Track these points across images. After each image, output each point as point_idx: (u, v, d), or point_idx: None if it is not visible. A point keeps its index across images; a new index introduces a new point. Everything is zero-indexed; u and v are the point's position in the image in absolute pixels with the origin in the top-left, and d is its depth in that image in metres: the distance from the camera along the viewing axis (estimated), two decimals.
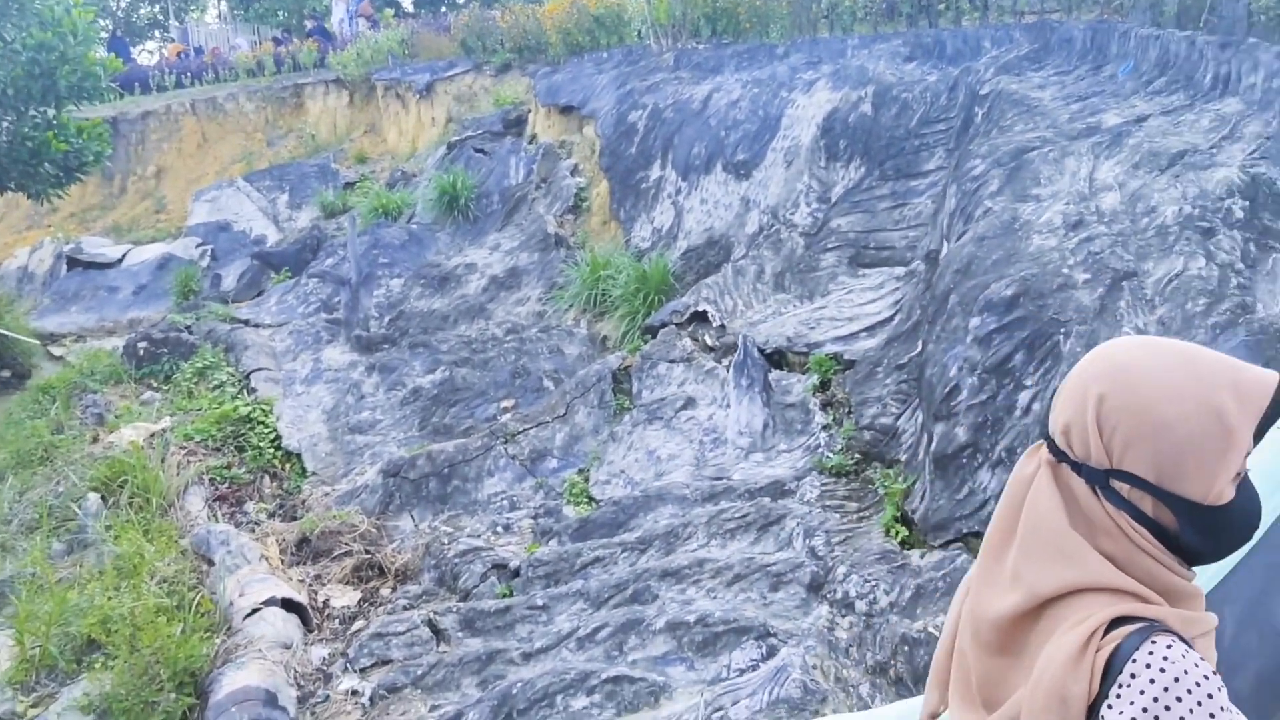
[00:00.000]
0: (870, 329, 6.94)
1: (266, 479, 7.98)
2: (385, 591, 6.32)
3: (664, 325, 8.22)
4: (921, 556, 4.98)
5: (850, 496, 5.84)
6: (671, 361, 7.71)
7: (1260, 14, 6.54)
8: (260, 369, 9.68)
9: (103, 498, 7.05)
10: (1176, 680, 1.11)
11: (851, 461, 6.09)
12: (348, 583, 6.42)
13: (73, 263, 13.88)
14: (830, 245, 7.98)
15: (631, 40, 13.19)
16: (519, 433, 7.62)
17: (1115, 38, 7.56)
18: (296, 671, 5.33)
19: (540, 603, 5.54)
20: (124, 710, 4.76)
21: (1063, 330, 4.95)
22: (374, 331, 10.21)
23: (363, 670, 5.36)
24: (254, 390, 9.32)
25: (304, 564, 6.63)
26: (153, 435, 8.02)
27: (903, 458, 5.87)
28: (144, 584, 5.71)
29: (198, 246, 13.99)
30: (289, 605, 5.83)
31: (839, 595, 4.95)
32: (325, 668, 5.48)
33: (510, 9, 15.25)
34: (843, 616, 4.84)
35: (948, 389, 5.32)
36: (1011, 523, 1.33)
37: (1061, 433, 1.28)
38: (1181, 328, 4.70)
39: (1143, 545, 1.23)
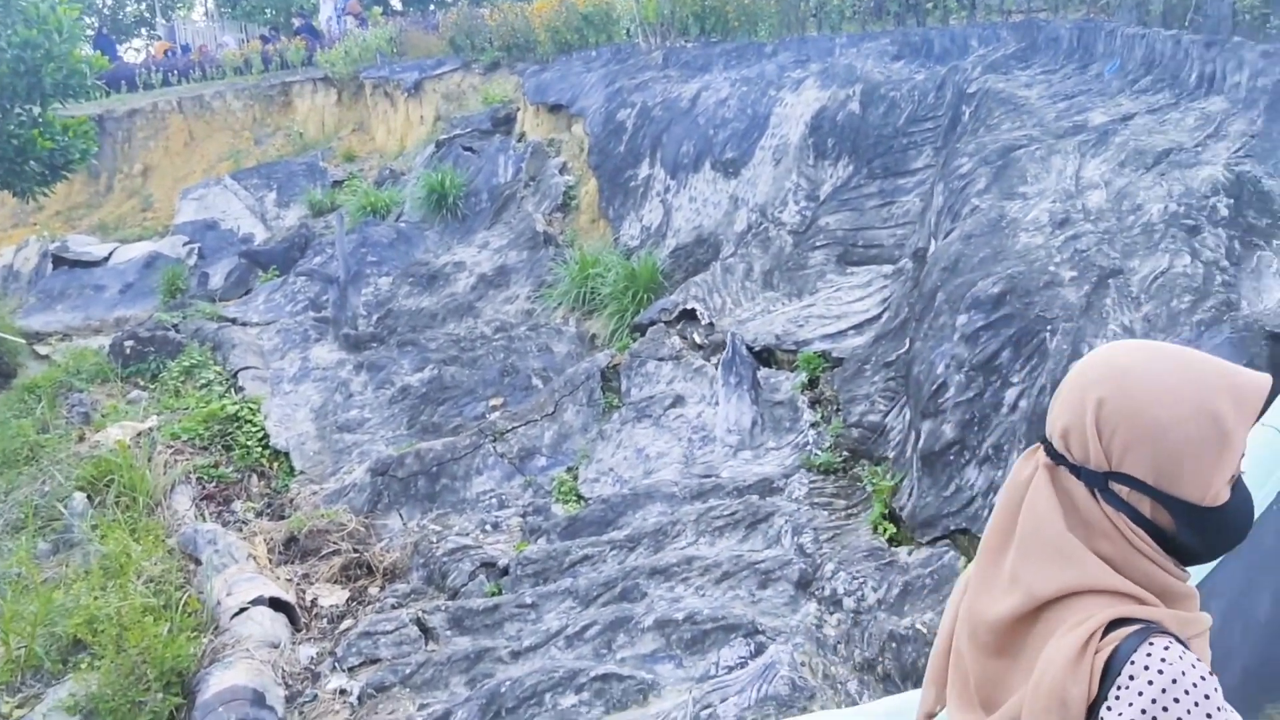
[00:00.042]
0: (858, 327, 6.95)
1: (254, 478, 7.96)
2: (373, 590, 6.31)
3: (653, 323, 8.23)
4: (909, 553, 5.00)
5: (838, 494, 5.86)
6: (660, 359, 7.71)
7: (1245, 13, 6.57)
8: (248, 367, 9.65)
9: (89, 497, 7.02)
10: (1174, 681, 1.12)
11: (840, 459, 6.10)
12: (336, 582, 6.41)
13: (58, 261, 13.80)
14: (818, 243, 7.99)
15: (620, 39, 13.18)
16: (508, 431, 7.61)
17: (1101, 36, 7.59)
18: (284, 671, 5.32)
19: (529, 601, 5.54)
20: (110, 710, 4.74)
21: (1049, 328, 4.97)
22: (362, 330, 10.19)
23: (351, 669, 5.35)
24: (241, 389, 9.29)
25: (292, 563, 6.61)
26: (139, 434, 7.98)
27: (890, 455, 5.89)
28: (130, 584, 5.69)
29: (185, 245, 13.92)
30: (277, 604, 5.81)
31: (827, 592, 4.96)
32: (313, 667, 5.47)
33: (499, 7, 15.22)
34: (831, 613, 4.85)
35: (935, 386, 5.34)
36: (1009, 525, 1.34)
37: (1060, 436, 1.29)
38: (1167, 325, 4.73)
39: (1140, 547, 1.24)
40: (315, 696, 5.17)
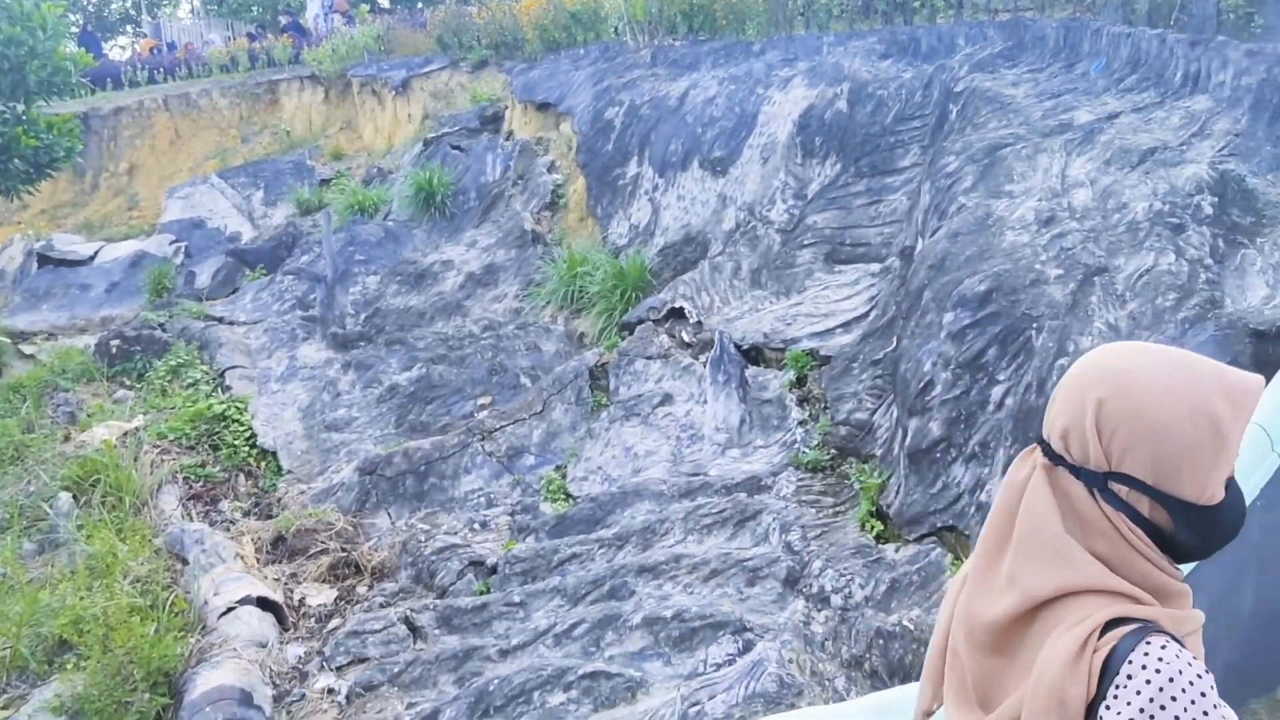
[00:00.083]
0: (846, 325, 6.97)
1: (241, 477, 7.93)
2: (362, 589, 6.30)
3: (641, 322, 8.23)
4: (896, 550, 5.02)
5: (826, 491, 5.87)
6: (648, 358, 7.72)
7: (1229, 12, 6.62)
8: (235, 367, 9.61)
9: (74, 497, 6.99)
10: (1171, 680, 1.14)
11: (827, 457, 6.12)
12: (324, 581, 6.39)
13: (44, 260, 13.71)
14: (806, 242, 8.01)
15: (608, 37, 13.18)
16: (496, 430, 7.60)
17: (1087, 35, 7.63)
18: (272, 670, 5.30)
19: (517, 599, 5.54)
20: (96, 711, 4.72)
21: (1035, 325, 4.99)
22: (350, 329, 10.16)
23: (339, 668, 5.33)
24: (228, 388, 9.25)
25: (279, 562, 6.59)
26: (125, 434, 7.94)
27: (878, 453, 5.90)
28: (117, 583, 5.66)
29: (171, 244, 13.85)
30: (264, 604, 5.80)
31: (815, 590, 4.98)
32: (301, 666, 5.46)
33: (487, 5, 15.21)
34: (818, 611, 4.87)
35: (922, 384, 5.36)
36: (1006, 526, 1.35)
37: (1060, 437, 1.30)
38: (1152, 323, 4.75)
39: (1137, 546, 1.26)
40: (303, 696, 5.16)
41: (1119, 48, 7.21)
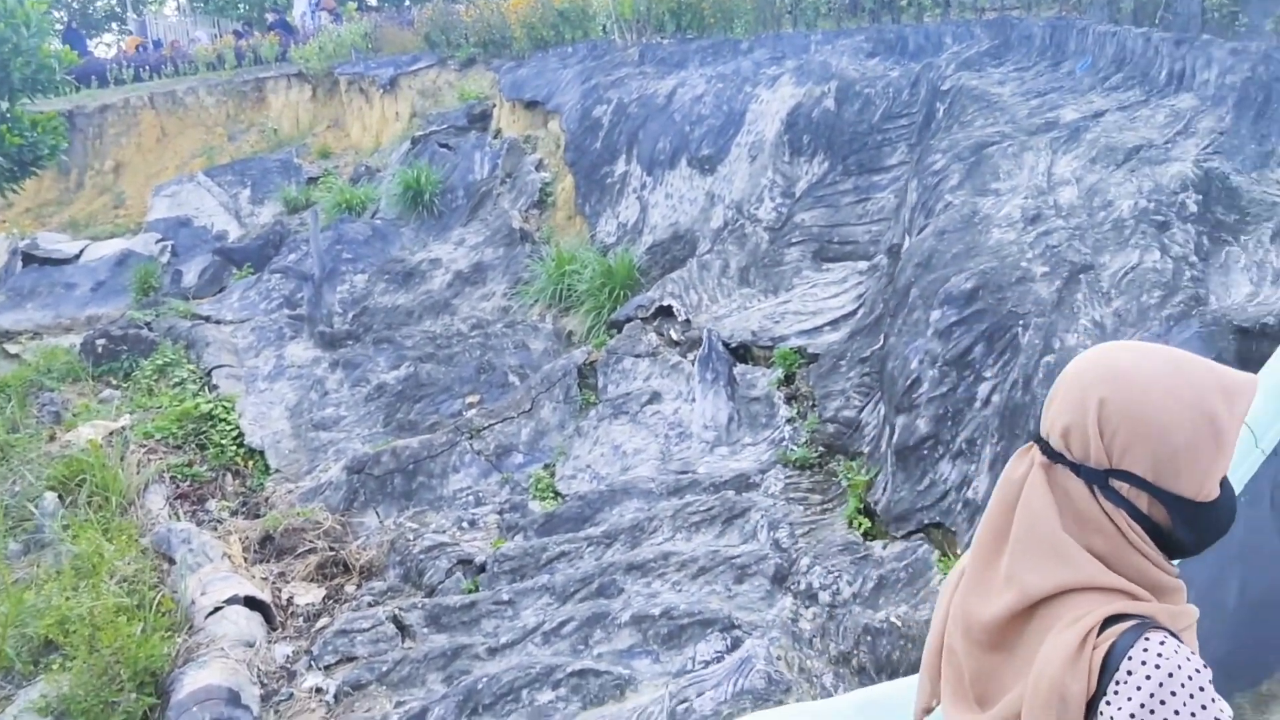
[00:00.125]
0: (834, 323, 6.99)
1: (229, 476, 7.90)
2: (350, 588, 6.29)
3: (629, 320, 8.23)
4: (884, 547, 5.03)
5: (814, 489, 5.89)
6: (637, 356, 7.72)
7: (1213, 11, 6.66)
8: (222, 366, 9.58)
9: (60, 497, 6.95)
10: (1171, 675, 1.16)
11: (815, 454, 6.13)
12: (312, 580, 6.38)
13: (28, 259, 13.62)
14: (794, 240, 8.02)
15: (596, 35, 13.17)
16: (484, 428, 7.59)
17: (1074, 34, 7.66)
18: (260, 670, 5.29)
19: (506, 598, 5.53)
20: (82, 711, 4.70)
21: (1021, 323, 5.02)
22: (338, 327, 10.14)
23: (327, 667, 5.32)
24: (215, 387, 9.21)
25: (267, 562, 6.57)
26: (112, 433, 7.90)
27: (865, 450, 5.92)
28: (103, 583, 5.63)
29: (158, 242, 13.78)
30: (252, 603, 5.78)
31: (803, 587, 4.99)
32: (289, 665, 5.44)
33: (475, 3, 15.18)
34: (806, 608, 4.88)
35: (909, 381, 5.38)
36: (1003, 525, 1.36)
37: (1060, 435, 1.32)
38: (1137, 320, 4.78)
39: (1135, 542, 1.28)
40: (291, 695, 5.15)
41: (1105, 46, 7.24)
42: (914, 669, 3.98)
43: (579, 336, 8.85)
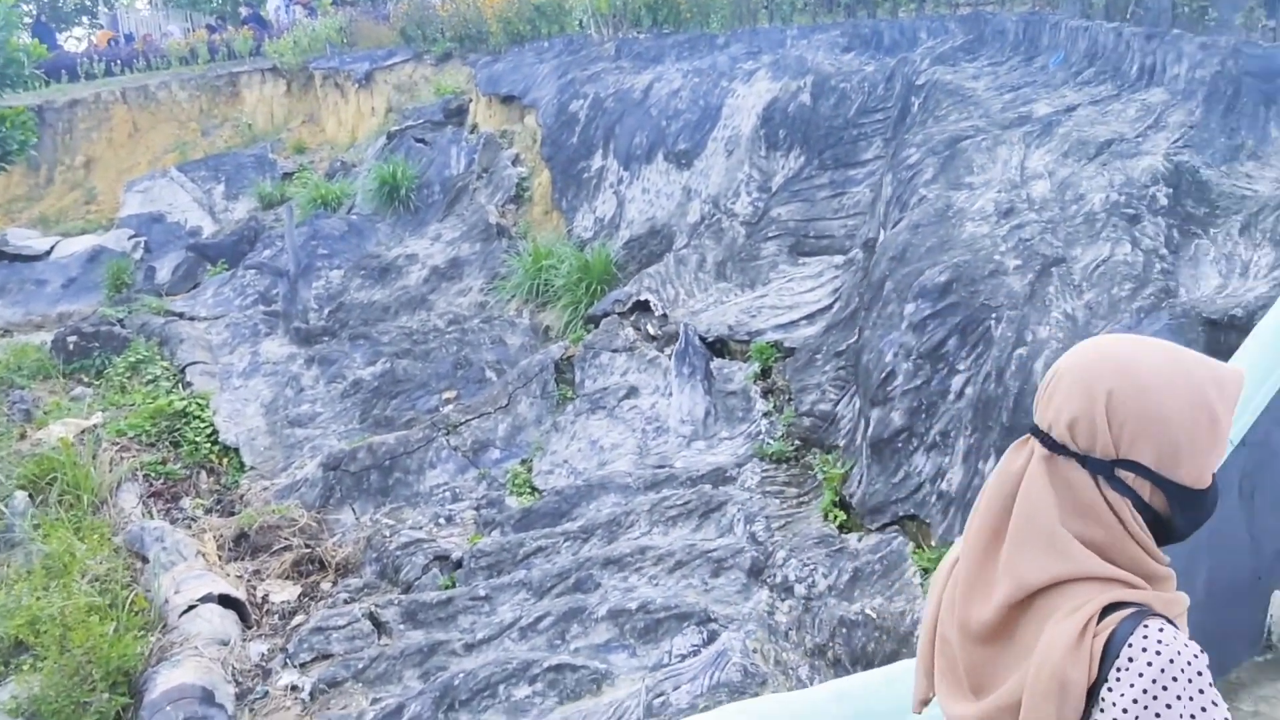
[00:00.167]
0: (810, 317, 7.01)
1: (203, 474, 7.84)
2: (326, 585, 6.26)
3: (606, 315, 8.22)
4: (859, 540, 5.06)
5: (790, 482, 5.91)
6: (614, 351, 7.72)
7: (1184, 6, 6.71)
8: (196, 363, 9.49)
9: (31, 496, 6.87)
10: (1171, 661, 1.18)
11: (791, 448, 6.15)
12: (287, 577, 6.34)
13: None
14: (771, 234, 8.04)
15: (572, 29, 13.12)
16: (461, 424, 7.57)
17: (1046, 29, 7.71)
18: (234, 668, 5.26)
19: (483, 593, 5.52)
20: (53, 712, 4.66)
21: (994, 315, 5.05)
22: (313, 323, 10.07)
23: (303, 665, 5.30)
24: (189, 384, 9.14)
25: (242, 559, 6.53)
26: (83, 431, 7.82)
27: (841, 443, 5.95)
28: (75, 583, 5.58)
29: (130, 238, 13.63)
30: (226, 601, 5.74)
31: (779, 579, 5.00)
32: (264, 663, 5.41)
33: None
34: (782, 600, 4.90)
35: (884, 375, 5.40)
36: (1001, 518, 1.38)
37: (1067, 427, 1.33)
38: (1108, 312, 4.82)
39: (1134, 531, 1.30)
40: (266, 693, 5.12)
41: (1077, 41, 7.29)
42: (889, 660, 4.01)
43: (556, 331, 8.84)
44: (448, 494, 7.06)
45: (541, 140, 11.02)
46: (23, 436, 7.94)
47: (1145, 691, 1.18)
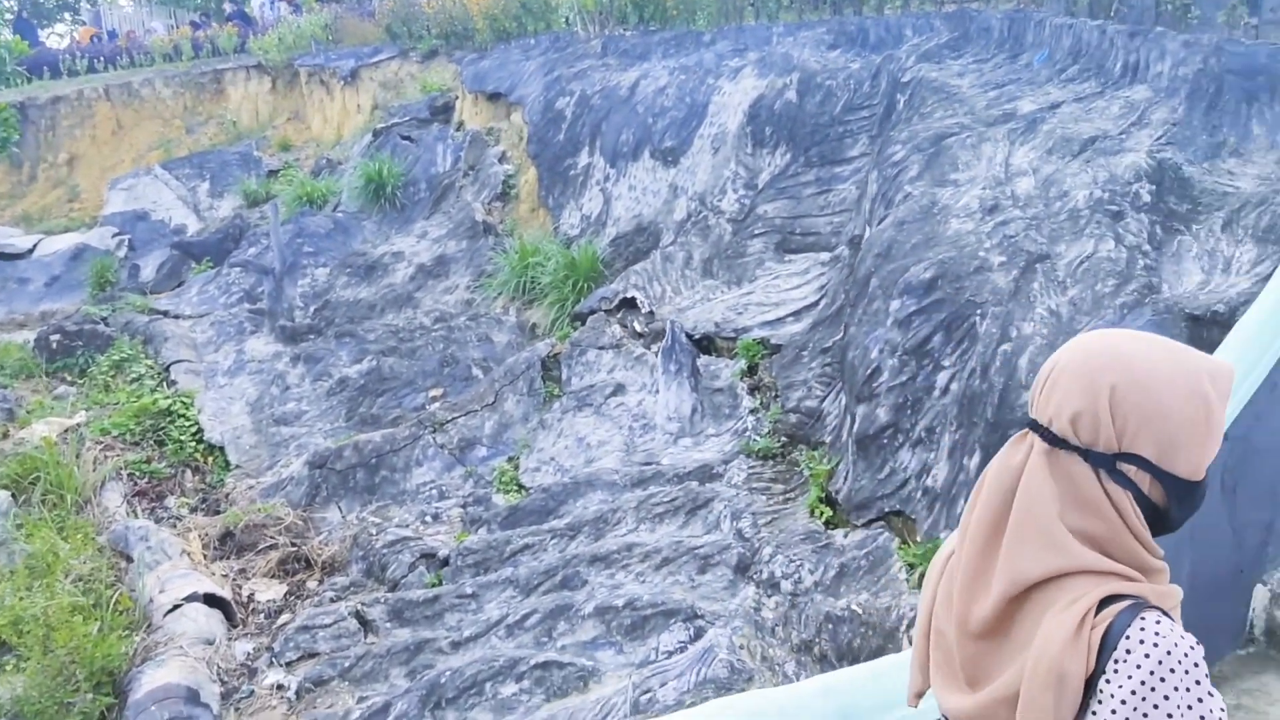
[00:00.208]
0: (796, 314, 7.02)
1: (188, 473, 7.81)
2: (312, 584, 6.24)
3: (593, 312, 8.22)
4: (845, 536, 5.07)
5: (776, 479, 5.92)
6: (601, 348, 7.71)
7: (1167, 3, 6.75)
8: (181, 361, 9.45)
9: (13, 495, 6.82)
10: (1169, 653, 1.20)
11: (778, 444, 6.16)
12: (273, 576, 6.32)
13: None
14: (757, 231, 8.05)
15: (559, 27, 13.10)
16: (448, 422, 7.55)
17: (1031, 26, 7.74)
18: (220, 667, 5.24)
19: (469, 591, 5.52)
20: (37, 713, 4.63)
21: (979, 312, 5.07)
22: (299, 321, 10.03)
23: (289, 664, 5.28)
24: (174, 383, 9.10)
25: (228, 558, 6.50)
26: (67, 430, 7.77)
27: (827, 439, 5.96)
28: (58, 583, 5.55)
29: (114, 236, 13.54)
30: (212, 600, 5.72)
31: (765, 576, 5.01)
32: (250, 663, 5.39)
33: None
34: (769, 596, 4.90)
35: (869, 371, 5.41)
36: (1000, 511, 1.39)
37: (1069, 421, 1.35)
38: (1091, 308, 4.85)
39: (1133, 524, 1.32)
40: (252, 692, 5.10)
41: (1061, 39, 7.32)
42: (875, 655, 4.02)
43: (543, 329, 8.83)
44: (434, 492, 7.04)
45: (528, 138, 11.00)
46: (5, 435, 7.89)
47: (1143, 683, 1.19)
